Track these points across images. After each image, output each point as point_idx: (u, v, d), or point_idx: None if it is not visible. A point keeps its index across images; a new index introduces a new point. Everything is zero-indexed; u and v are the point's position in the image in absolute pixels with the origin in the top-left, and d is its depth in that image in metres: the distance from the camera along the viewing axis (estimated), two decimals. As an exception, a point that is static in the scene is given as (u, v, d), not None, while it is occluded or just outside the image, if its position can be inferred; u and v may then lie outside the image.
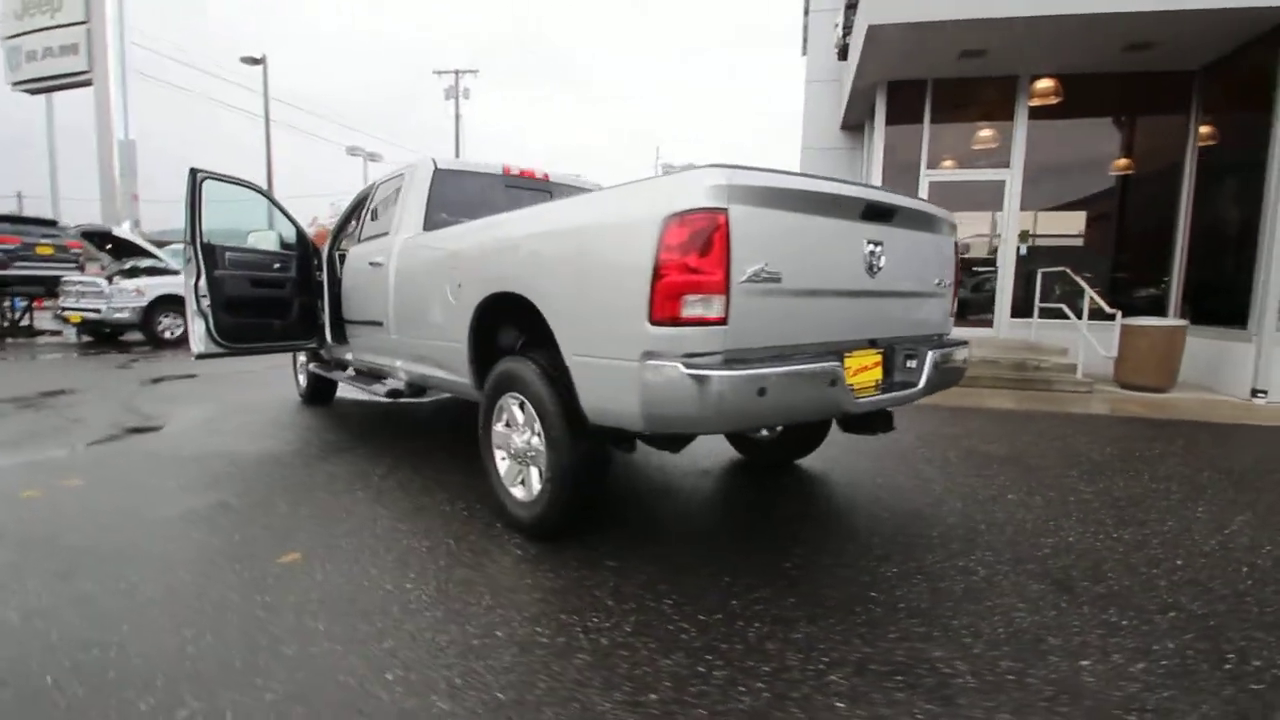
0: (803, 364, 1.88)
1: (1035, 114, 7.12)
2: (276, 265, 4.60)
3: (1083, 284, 6.01)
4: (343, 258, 4.76)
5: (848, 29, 7.88)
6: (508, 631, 1.84)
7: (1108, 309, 5.88)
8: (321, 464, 3.56)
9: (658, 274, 1.77)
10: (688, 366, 1.75)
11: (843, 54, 8.41)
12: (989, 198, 7.39)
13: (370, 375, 4.17)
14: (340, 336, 4.52)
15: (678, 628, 1.87)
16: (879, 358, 2.31)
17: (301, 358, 5.53)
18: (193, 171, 3.99)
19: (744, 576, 2.21)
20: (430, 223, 3.55)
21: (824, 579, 2.20)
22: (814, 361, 1.93)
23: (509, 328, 2.80)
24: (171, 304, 10.25)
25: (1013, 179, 7.20)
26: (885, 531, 2.63)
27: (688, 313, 1.76)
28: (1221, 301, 6.36)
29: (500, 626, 1.86)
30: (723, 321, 1.77)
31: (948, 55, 6.59)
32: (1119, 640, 1.85)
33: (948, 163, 7.48)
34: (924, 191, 7.46)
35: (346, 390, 5.74)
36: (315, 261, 4.78)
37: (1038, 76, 6.99)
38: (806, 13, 12.80)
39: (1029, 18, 5.63)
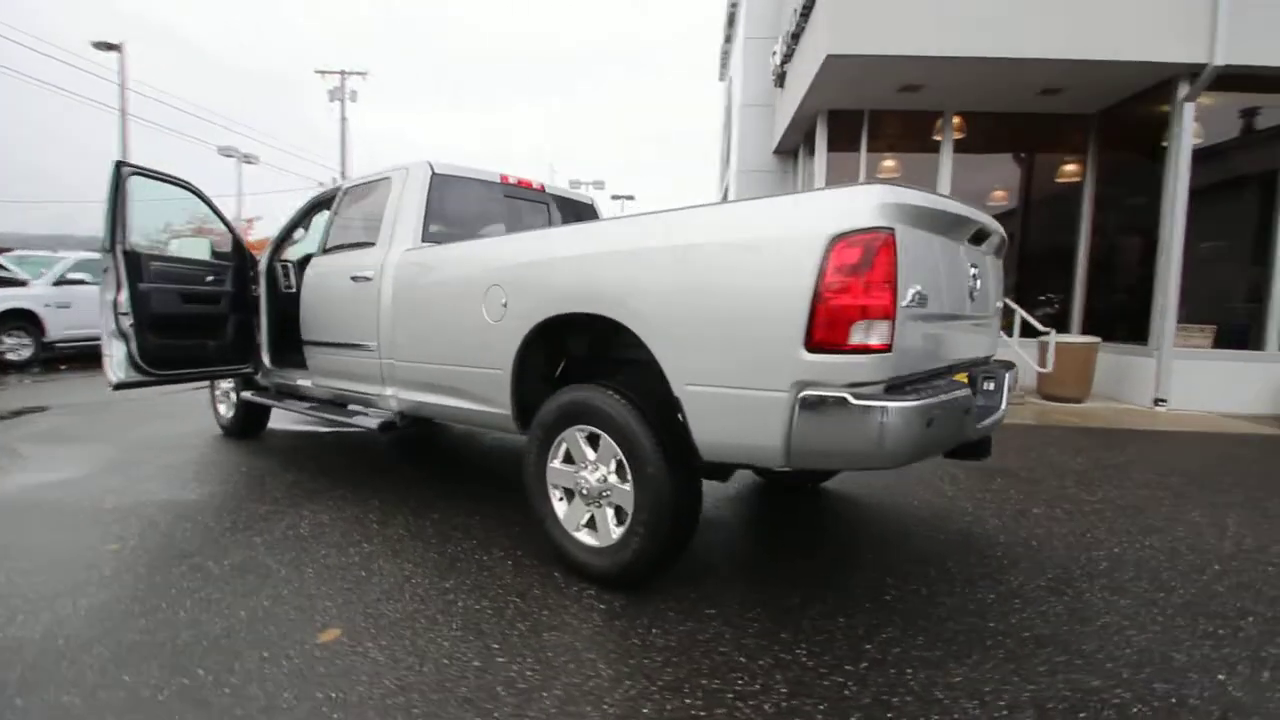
0: (953, 392, 1.80)
1: (958, 147, 7.72)
2: (210, 278, 3.95)
3: (1015, 306, 6.54)
4: (288, 269, 4.21)
5: (787, 57, 8.18)
6: (656, 708, 1.58)
7: (1040, 328, 6.43)
8: (298, 511, 3.04)
9: (820, 297, 1.62)
10: (857, 397, 1.60)
11: (780, 81, 8.72)
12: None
13: (335, 404, 3.65)
14: (289, 360, 3.95)
15: (833, 683, 1.70)
16: (968, 382, 2.28)
17: (224, 384, 4.77)
18: (118, 166, 3.33)
19: (857, 615, 2.08)
20: (426, 234, 3.18)
21: (931, 611, 2.12)
22: (954, 390, 1.85)
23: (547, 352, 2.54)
24: (13, 320, 8.55)
25: (939, 205, 7.76)
26: (953, 554, 2.61)
27: (854, 339, 1.62)
28: (1117, 320, 7.18)
29: (643, 702, 1.60)
30: (888, 349, 1.64)
31: (888, 88, 7.00)
32: (1230, 651, 1.90)
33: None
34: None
35: (281, 419, 5.05)
36: (252, 274, 4.17)
37: (960, 113, 7.61)
38: (729, 40, 13.27)
39: (962, 58, 6.09)
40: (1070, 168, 7.86)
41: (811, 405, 1.64)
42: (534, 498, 2.44)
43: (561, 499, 2.38)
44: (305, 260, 4.40)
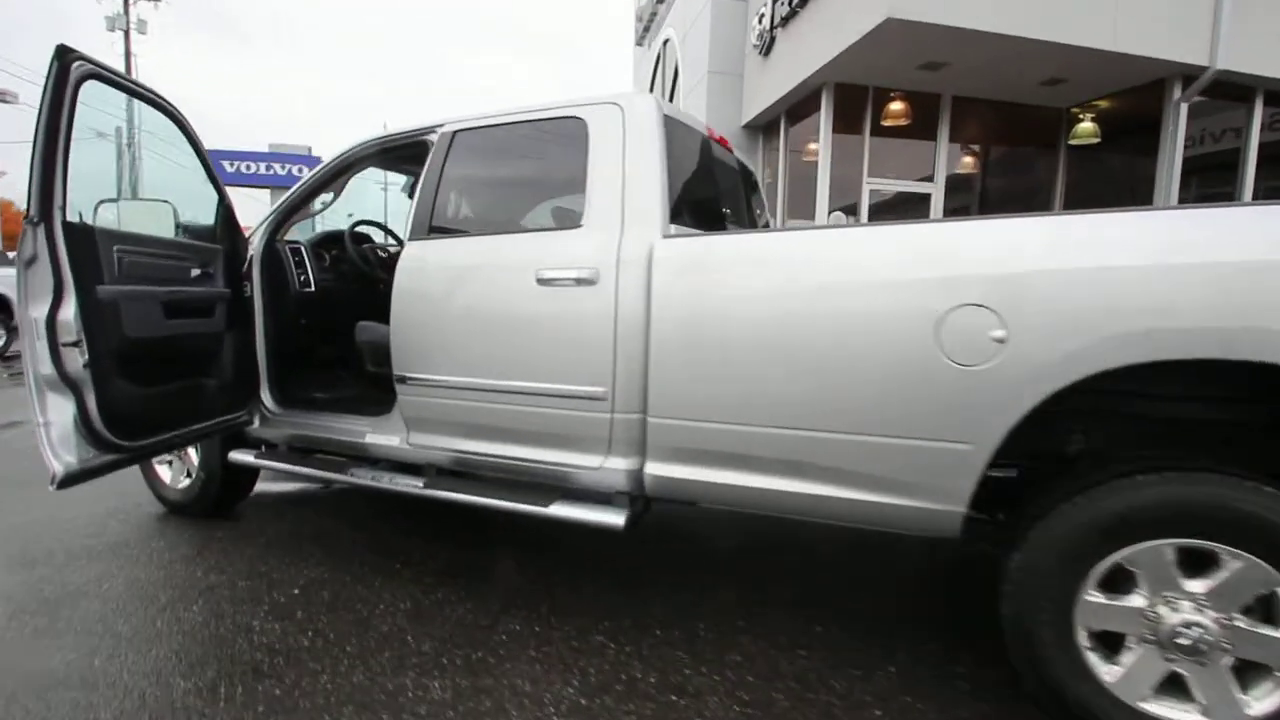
0: None
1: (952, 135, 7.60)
2: (196, 270, 2.32)
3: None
4: (303, 256, 2.70)
5: (784, 20, 7.45)
6: None
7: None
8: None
9: None
10: None
11: (766, 48, 7.98)
12: (915, 209, 7.73)
13: (466, 476, 2.31)
14: (311, 399, 2.53)
15: None
16: None
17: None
18: (63, 56, 1.69)
19: None
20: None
21: None
22: None
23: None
24: None
25: (937, 191, 7.61)
26: None
27: None
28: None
29: None
30: None
31: (911, 64, 6.58)
32: None
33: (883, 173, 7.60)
34: (865, 200, 7.46)
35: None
36: (245, 265, 2.60)
37: (958, 98, 7.46)
38: (660, 0, 12.25)
39: (1010, 36, 5.82)
40: (1043, 162, 8.12)
41: None
42: (1021, 641, 1.51)
43: (1093, 648, 1.47)
44: (352, 243, 2.87)
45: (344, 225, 3.51)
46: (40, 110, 1.66)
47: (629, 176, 1.97)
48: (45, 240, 1.72)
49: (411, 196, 3.21)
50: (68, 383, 1.78)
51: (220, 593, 2.26)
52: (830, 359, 1.64)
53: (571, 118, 2.11)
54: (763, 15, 7.93)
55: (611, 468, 1.98)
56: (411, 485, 2.26)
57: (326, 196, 2.74)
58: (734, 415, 1.77)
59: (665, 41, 11.65)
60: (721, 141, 2.61)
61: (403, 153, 2.55)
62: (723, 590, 2.31)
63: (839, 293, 1.64)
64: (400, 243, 3.33)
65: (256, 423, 2.70)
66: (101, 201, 2.26)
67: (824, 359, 1.64)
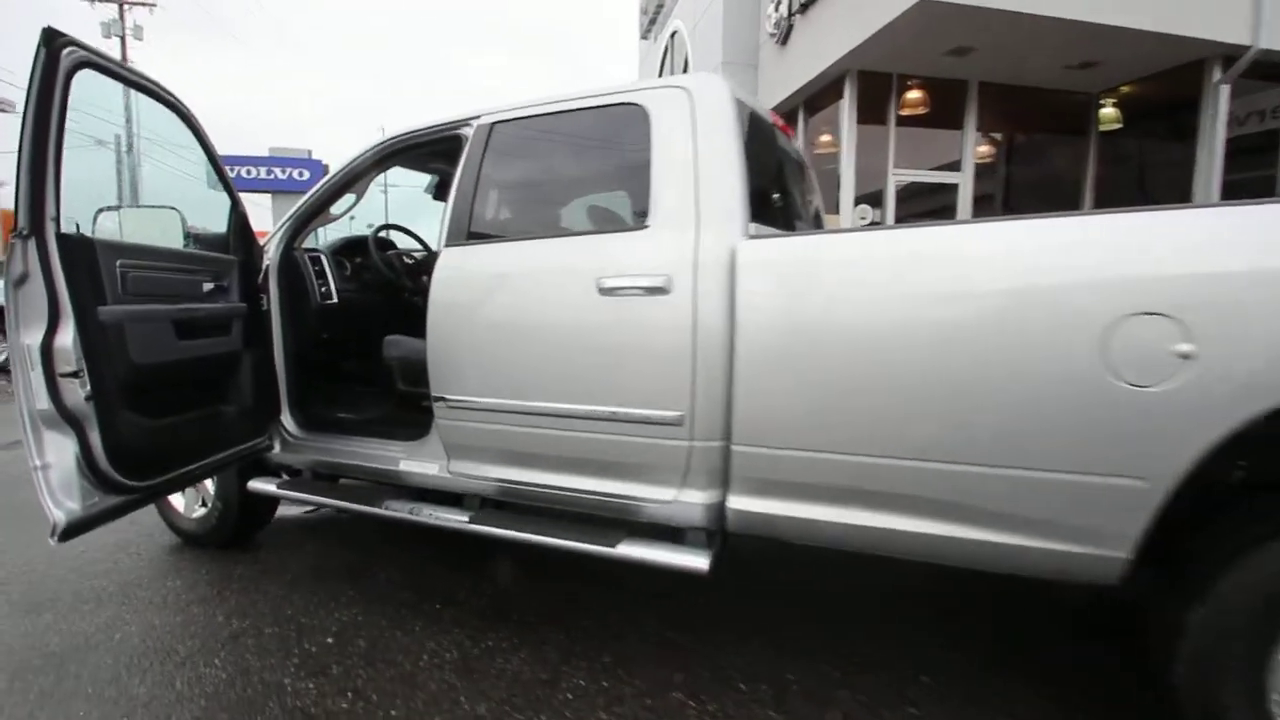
0: None
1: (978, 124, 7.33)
2: (209, 284, 2.09)
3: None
4: (323, 265, 2.47)
5: (802, 7, 7.17)
6: None
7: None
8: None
9: None
10: None
11: (783, 37, 7.71)
12: (941, 200, 7.46)
13: (515, 510, 2.07)
14: (336, 421, 2.33)
15: None
16: None
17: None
18: (50, 40, 1.45)
19: None
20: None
21: None
22: None
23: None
24: None
25: (965, 181, 7.34)
26: None
27: None
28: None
29: None
30: None
31: (940, 49, 6.31)
32: None
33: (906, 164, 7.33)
34: (891, 192, 7.20)
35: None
36: (261, 276, 2.37)
37: (986, 84, 7.18)
38: (665, -8, 11.96)
39: (1044, 17, 5.55)
40: (1072, 150, 7.84)
41: None
42: (1200, 706, 1.28)
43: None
44: (383, 252, 2.65)
45: (354, 232, 3.27)
46: (26, 105, 1.43)
47: (702, 170, 1.72)
48: (37, 255, 1.48)
49: (439, 197, 3.01)
50: (68, 419, 1.55)
51: (245, 642, 2.03)
52: (965, 379, 1.39)
53: (629, 104, 1.86)
54: (779, 2, 7.66)
55: (687, 501, 1.74)
56: (455, 520, 2.02)
57: (348, 199, 2.50)
58: (842, 444, 1.53)
59: (673, 34, 11.36)
60: (784, 129, 2.37)
61: (432, 149, 2.31)
62: (805, 631, 2.07)
63: (974, 299, 1.39)
64: (426, 248, 3.09)
65: (277, 447, 2.47)
66: (102, 209, 2.03)
67: (957, 379, 1.40)
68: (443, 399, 2.03)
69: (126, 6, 23.03)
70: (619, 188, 1.95)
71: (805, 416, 1.56)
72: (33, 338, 1.51)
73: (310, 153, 22.64)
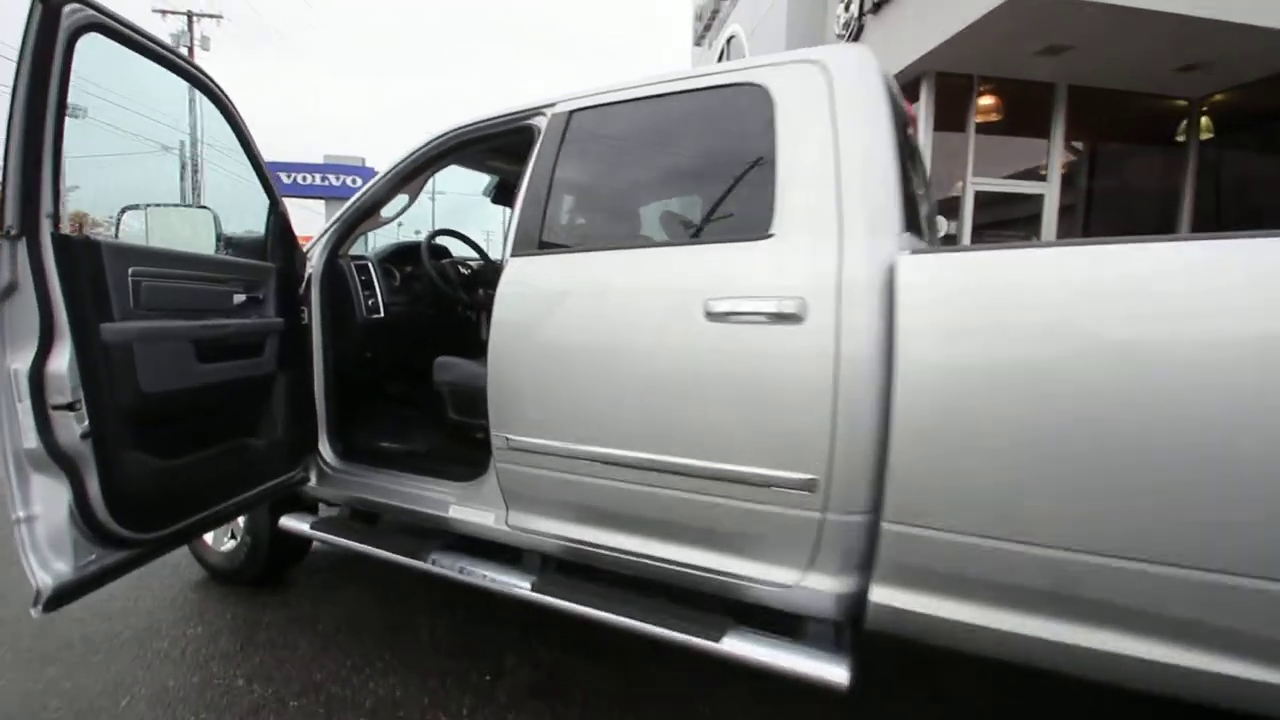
0: None
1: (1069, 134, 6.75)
2: (242, 296, 1.80)
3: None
4: (371, 275, 2.18)
5: (875, 6, 6.74)
6: None
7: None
8: None
9: None
10: None
11: (854, 35, 7.28)
12: (1022, 209, 6.90)
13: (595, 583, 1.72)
14: (374, 451, 2.02)
15: None
16: None
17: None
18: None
19: None
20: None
21: None
22: None
23: None
24: None
25: (1050, 192, 6.76)
26: None
27: None
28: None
29: None
30: None
31: (1032, 48, 5.80)
32: None
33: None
34: (969, 202, 6.67)
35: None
36: (303, 286, 2.08)
37: (1075, 88, 6.62)
38: (722, -3, 11.66)
39: (1151, 11, 5.01)
40: (1166, 160, 7.18)
41: None
42: None
43: None
44: (437, 261, 2.37)
45: (395, 240, 2.99)
46: (17, 75, 1.15)
47: (846, 165, 1.35)
48: (29, 261, 1.20)
49: (499, 200, 2.70)
50: (60, 460, 1.26)
51: (266, 718, 1.72)
52: (1253, 456, 0.98)
53: (746, 85, 1.50)
54: (849, 2, 7.24)
55: (812, 587, 1.35)
56: (516, 586, 1.68)
57: (399, 201, 2.20)
58: (1054, 534, 1.12)
59: (729, 39, 11.03)
60: (914, 119, 1.98)
61: (497, 143, 1.99)
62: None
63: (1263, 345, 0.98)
64: (484, 257, 2.78)
65: (313, 479, 2.18)
66: (126, 208, 1.77)
67: (1237, 455, 0.99)
68: (504, 438, 1.69)
69: (195, 18, 24.04)
70: (728, 188, 1.58)
71: (995, 492, 1.16)
72: (20, 361, 1.23)
73: (364, 160, 23.11)
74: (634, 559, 1.56)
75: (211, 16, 25.32)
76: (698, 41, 13.46)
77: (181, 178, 21.11)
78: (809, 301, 1.29)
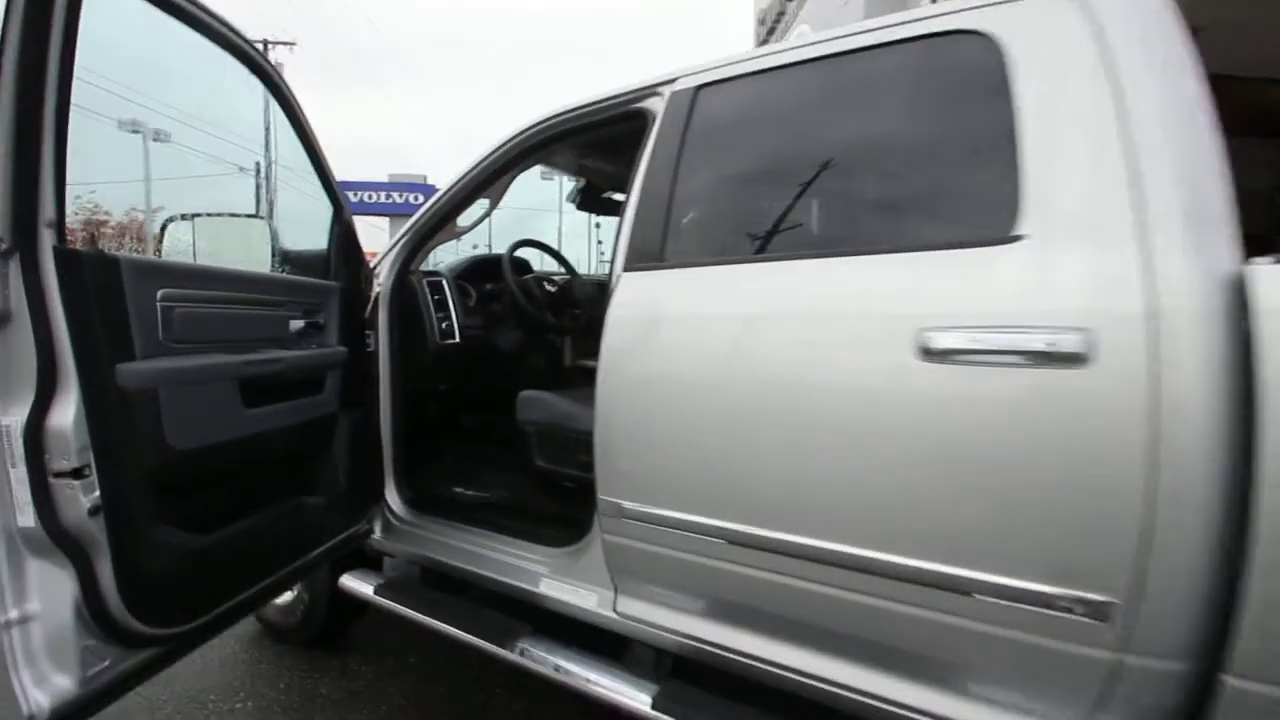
0: None
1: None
2: (300, 321, 1.48)
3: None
4: (445, 294, 1.85)
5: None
6: None
7: None
8: None
9: None
10: None
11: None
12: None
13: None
14: (447, 502, 1.72)
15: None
16: None
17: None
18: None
19: None
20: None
21: None
22: None
23: None
24: None
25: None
26: None
27: None
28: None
29: None
30: None
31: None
32: None
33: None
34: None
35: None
36: (370, 308, 1.76)
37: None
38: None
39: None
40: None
41: None
42: None
43: None
44: (513, 274, 2.06)
45: (455, 257, 2.68)
46: (4, 44, 0.85)
47: (1138, 133, 0.92)
48: (24, 283, 0.91)
49: (585, 207, 2.36)
50: (63, 543, 0.96)
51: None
52: None
53: (957, 32, 1.10)
54: (938, -7, 6.70)
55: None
56: (632, 701, 1.29)
57: (480, 207, 1.88)
58: None
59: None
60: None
61: (598, 134, 1.64)
62: None
63: None
64: (571, 272, 2.43)
65: (377, 531, 1.87)
66: (170, 219, 1.50)
67: None
68: (615, 504, 1.32)
69: (270, 45, 25.30)
70: (938, 172, 1.16)
71: None
72: (14, 415, 0.93)
73: (425, 178, 23.69)
74: (801, 679, 1.15)
75: (286, 44, 26.65)
76: (760, 42, 13.05)
77: (257, 199, 22.07)
78: (1098, 334, 0.86)
